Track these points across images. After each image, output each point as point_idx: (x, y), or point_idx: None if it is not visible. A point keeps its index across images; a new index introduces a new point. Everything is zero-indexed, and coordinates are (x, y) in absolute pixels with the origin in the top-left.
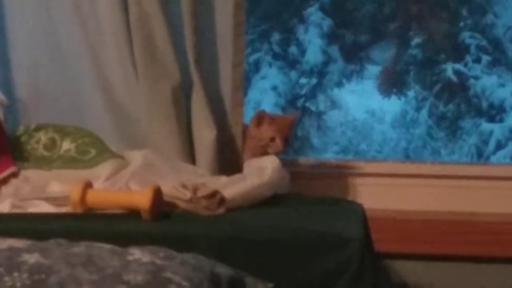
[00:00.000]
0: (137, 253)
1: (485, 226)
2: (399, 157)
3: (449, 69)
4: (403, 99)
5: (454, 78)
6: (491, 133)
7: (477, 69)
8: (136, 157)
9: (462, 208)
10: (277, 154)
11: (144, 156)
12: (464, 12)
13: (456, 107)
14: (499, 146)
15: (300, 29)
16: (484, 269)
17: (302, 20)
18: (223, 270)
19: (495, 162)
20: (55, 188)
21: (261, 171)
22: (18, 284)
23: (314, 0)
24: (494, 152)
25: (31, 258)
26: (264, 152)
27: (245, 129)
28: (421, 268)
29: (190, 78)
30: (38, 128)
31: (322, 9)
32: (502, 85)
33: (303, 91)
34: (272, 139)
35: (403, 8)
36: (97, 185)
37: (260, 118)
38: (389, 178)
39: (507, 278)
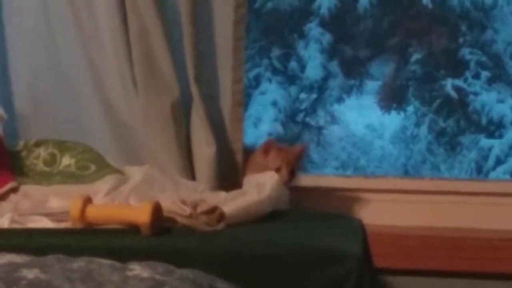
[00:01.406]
0: (136, 269)
1: (485, 242)
2: (399, 172)
3: (449, 84)
4: (402, 114)
5: (453, 93)
6: (490, 148)
7: (476, 85)
8: (135, 173)
9: (461, 224)
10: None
11: (143, 171)
12: (464, 28)
13: (456, 123)
14: (499, 161)
15: (300, 45)
16: (483, 285)
17: (302, 35)
18: (223, 286)
19: (495, 178)
20: (55, 203)
21: (260, 187)
22: None
23: (314, 16)
24: (493, 168)
25: (30, 274)
26: None
27: (250, 153)
28: (419, 284)
29: (189, 93)
30: (37, 144)
31: (322, 24)
32: (502, 101)
33: (303, 106)
34: (278, 169)
35: (403, 23)
36: (97, 200)
37: (268, 147)
38: (388, 194)
39: None
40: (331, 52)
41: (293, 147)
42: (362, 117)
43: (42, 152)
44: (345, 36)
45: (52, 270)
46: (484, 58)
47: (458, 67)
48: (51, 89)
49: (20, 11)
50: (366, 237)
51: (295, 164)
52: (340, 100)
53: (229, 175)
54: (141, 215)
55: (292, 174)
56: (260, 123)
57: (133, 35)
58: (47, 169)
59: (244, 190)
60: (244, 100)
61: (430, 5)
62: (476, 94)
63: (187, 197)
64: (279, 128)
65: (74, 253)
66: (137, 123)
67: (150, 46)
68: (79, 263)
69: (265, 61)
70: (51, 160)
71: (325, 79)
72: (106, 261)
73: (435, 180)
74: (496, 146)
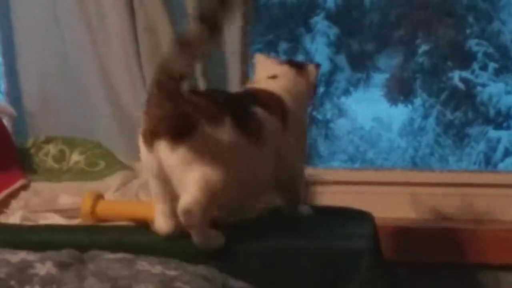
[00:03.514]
0: (148, 264)
1: (494, 234)
2: (407, 165)
3: (456, 76)
4: (410, 107)
5: (461, 85)
6: (498, 140)
7: (484, 77)
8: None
9: (471, 215)
10: None
11: None
12: (471, 20)
13: (463, 115)
14: (507, 153)
15: (307, 38)
16: (493, 277)
17: (309, 29)
18: (235, 284)
19: (503, 169)
20: (65, 200)
21: None
22: None
23: (321, 9)
24: (502, 159)
25: (42, 270)
26: None
27: None
28: (429, 276)
29: (197, 88)
30: (47, 141)
31: (329, 17)
32: (509, 92)
33: None
34: None
35: (409, 16)
36: (107, 196)
37: None
38: (397, 187)
39: None
40: (338, 45)
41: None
42: (370, 110)
43: (52, 149)
44: (352, 29)
45: (64, 265)
46: (491, 50)
47: (465, 59)
48: (59, 86)
49: (29, 10)
50: (376, 230)
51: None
52: (347, 93)
53: None
54: (150, 211)
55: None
56: None
57: (140, 32)
58: (56, 166)
59: None
60: None
61: None
62: (483, 85)
63: None
64: None
65: (85, 249)
66: None
67: (158, 42)
68: (90, 259)
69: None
70: (61, 157)
71: (332, 72)
72: (118, 256)
73: (444, 172)
74: (504, 137)
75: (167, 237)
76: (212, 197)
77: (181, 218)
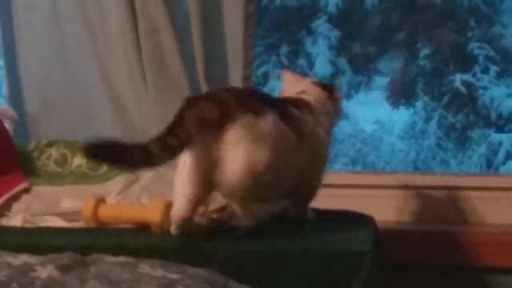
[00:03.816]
0: (149, 267)
1: (496, 237)
2: (408, 168)
3: (458, 80)
4: (411, 110)
5: (462, 88)
6: (500, 143)
7: (485, 80)
8: (147, 171)
9: (472, 219)
10: None
11: (155, 170)
12: (472, 23)
13: (465, 118)
14: (509, 156)
15: (309, 41)
16: (496, 280)
17: (310, 32)
18: (237, 287)
19: (505, 172)
20: (67, 203)
21: None
22: None
23: (322, 12)
24: (503, 163)
25: (44, 273)
26: None
27: None
28: (432, 280)
29: (199, 90)
30: (49, 144)
31: (330, 20)
32: (511, 96)
33: None
34: None
35: (411, 19)
36: (109, 200)
37: None
38: (399, 190)
39: None
40: (339, 49)
41: None
42: (371, 113)
43: (54, 152)
44: (353, 32)
45: (65, 268)
46: (492, 53)
47: (466, 62)
48: (61, 89)
49: (30, 12)
50: (378, 234)
51: None
52: (348, 96)
53: None
54: (152, 214)
55: None
56: None
57: (142, 34)
58: (58, 169)
59: None
60: None
61: (438, 0)
62: (485, 88)
63: None
64: None
65: (86, 252)
66: (147, 121)
67: (159, 45)
68: (92, 262)
69: (274, 58)
70: (63, 161)
71: (334, 75)
72: (119, 259)
73: (446, 176)
74: (506, 140)
75: (166, 239)
76: (255, 175)
77: (227, 188)
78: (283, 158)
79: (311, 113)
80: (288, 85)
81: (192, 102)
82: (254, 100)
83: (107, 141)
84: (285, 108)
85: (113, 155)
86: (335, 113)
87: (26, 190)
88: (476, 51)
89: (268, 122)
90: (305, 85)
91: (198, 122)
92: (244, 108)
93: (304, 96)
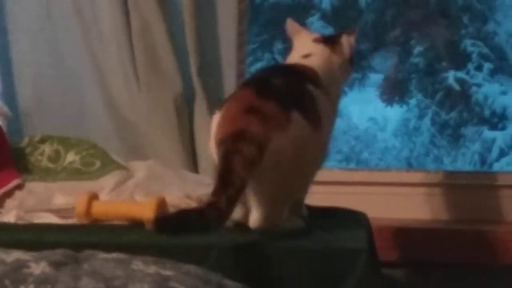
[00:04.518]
0: (142, 264)
1: (490, 234)
2: (402, 165)
3: (451, 77)
4: (405, 107)
5: (456, 86)
6: (493, 140)
7: (479, 77)
8: (140, 168)
9: (466, 216)
10: None
11: (148, 167)
12: (466, 20)
13: (459, 115)
14: (502, 153)
15: None
16: (488, 276)
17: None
18: (231, 285)
19: (498, 169)
20: (60, 200)
21: None
22: None
23: (316, 9)
24: (497, 160)
25: (37, 269)
26: None
27: None
28: (425, 277)
29: (192, 88)
30: (42, 140)
31: (324, 18)
32: (504, 93)
33: None
34: None
35: (404, 16)
36: (102, 196)
37: None
38: (392, 187)
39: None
40: None
41: None
42: (365, 110)
43: (47, 148)
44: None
45: (59, 265)
46: (486, 50)
47: (460, 59)
48: (54, 86)
49: (24, 10)
50: (371, 231)
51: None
52: (342, 93)
53: None
54: (145, 210)
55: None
56: None
57: (135, 31)
58: (51, 165)
59: None
60: None
61: None
62: (478, 86)
63: (193, 192)
64: None
65: (79, 249)
66: (140, 118)
67: (152, 41)
68: (85, 258)
69: (267, 55)
70: (56, 157)
71: None
72: (112, 256)
73: (439, 173)
74: (499, 137)
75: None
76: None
77: None
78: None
79: (320, 85)
80: (298, 41)
81: (229, 143)
82: (276, 103)
83: (172, 214)
84: (305, 99)
85: (178, 227)
86: (344, 66)
87: (19, 187)
88: (469, 49)
89: (296, 130)
90: (308, 46)
91: (246, 165)
92: (274, 129)
93: (310, 61)
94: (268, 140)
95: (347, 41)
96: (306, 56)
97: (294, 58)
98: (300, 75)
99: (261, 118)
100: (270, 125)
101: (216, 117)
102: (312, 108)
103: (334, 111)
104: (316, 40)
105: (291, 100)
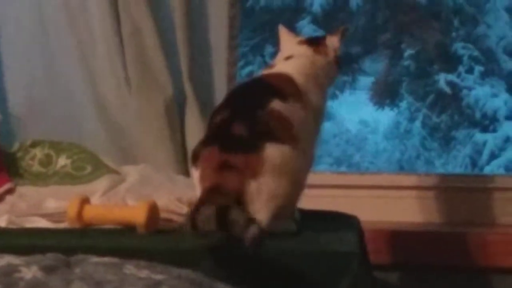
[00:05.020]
0: (134, 268)
1: (480, 237)
2: (393, 168)
3: (442, 80)
4: (396, 110)
5: (447, 88)
6: (484, 143)
7: (470, 80)
8: (132, 172)
9: (457, 219)
10: None
11: (139, 171)
12: (456, 23)
13: (450, 118)
14: (493, 156)
15: None
16: (480, 280)
17: (295, 32)
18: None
19: (489, 172)
20: (52, 204)
21: None
22: None
23: (306, 13)
24: (488, 162)
25: (28, 274)
26: None
27: None
28: (415, 280)
29: (183, 91)
30: (33, 145)
31: (315, 21)
32: (495, 95)
33: None
34: None
35: (395, 19)
36: (94, 200)
37: None
38: (383, 190)
39: None
40: None
41: None
42: (356, 113)
43: (38, 153)
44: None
45: (50, 269)
46: (477, 53)
47: (451, 62)
48: (45, 90)
49: (15, 14)
50: (363, 234)
51: None
52: (333, 96)
53: None
54: (137, 214)
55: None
56: None
57: (125, 35)
58: (43, 170)
59: None
60: None
61: (422, 0)
62: (469, 88)
63: (184, 195)
64: None
65: (71, 253)
66: (131, 122)
67: (143, 45)
68: (76, 262)
69: (258, 59)
70: (47, 161)
71: None
72: (104, 260)
73: (430, 176)
74: (490, 140)
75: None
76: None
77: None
78: (294, 174)
79: (291, 95)
80: (283, 44)
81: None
82: (243, 150)
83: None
84: (274, 124)
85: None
86: (328, 67)
87: (11, 191)
88: (460, 51)
89: (274, 158)
90: (292, 48)
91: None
92: (249, 176)
93: (290, 63)
94: (246, 189)
95: (331, 42)
96: (288, 58)
97: (277, 60)
98: (266, 93)
99: (234, 171)
100: (245, 175)
101: (195, 174)
102: (284, 128)
103: (316, 114)
104: (300, 42)
105: (259, 137)
